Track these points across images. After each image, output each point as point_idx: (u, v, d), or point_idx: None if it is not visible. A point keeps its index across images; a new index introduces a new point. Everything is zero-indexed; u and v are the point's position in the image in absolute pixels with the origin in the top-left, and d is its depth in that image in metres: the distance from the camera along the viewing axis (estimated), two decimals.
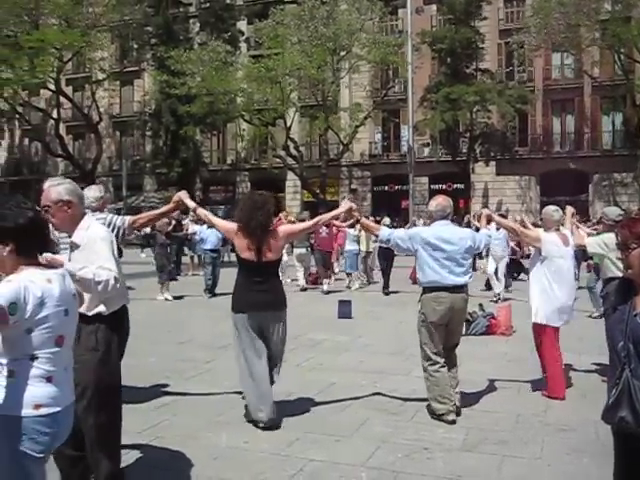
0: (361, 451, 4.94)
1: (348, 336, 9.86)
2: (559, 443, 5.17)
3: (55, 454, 4.13)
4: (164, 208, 5.67)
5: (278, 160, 37.70)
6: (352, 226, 14.40)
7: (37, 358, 2.66)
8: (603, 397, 3.02)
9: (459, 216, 24.06)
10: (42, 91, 41.76)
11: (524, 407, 6.12)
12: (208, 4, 42.05)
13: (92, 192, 5.67)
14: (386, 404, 6.18)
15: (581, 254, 10.55)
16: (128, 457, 4.78)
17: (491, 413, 5.93)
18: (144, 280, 16.90)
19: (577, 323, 7.14)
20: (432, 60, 37.31)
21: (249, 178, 42.03)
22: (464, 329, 9.23)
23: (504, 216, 13.52)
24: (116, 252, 4.04)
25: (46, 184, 4.02)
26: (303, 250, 16.14)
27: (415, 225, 15.98)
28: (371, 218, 20.44)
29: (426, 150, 38.56)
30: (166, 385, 6.93)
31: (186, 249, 20.79)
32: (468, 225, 11.46)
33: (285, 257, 17.06)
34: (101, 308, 4.02)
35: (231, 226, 5.71)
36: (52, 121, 41.42)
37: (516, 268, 16.58)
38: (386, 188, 39.74)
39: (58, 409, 2.71)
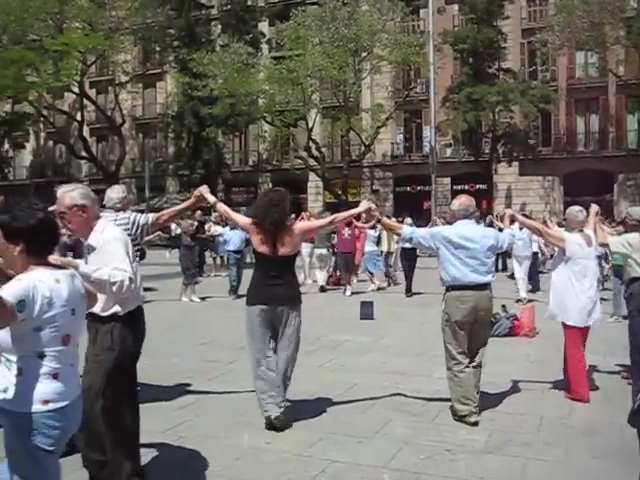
0: (383, 452, 4.93)
1: (370, 337, 9.84)
2: (584, 446, 5.11)
3: (83, 458, 4.19)
4: (186, 203, 5.71)
5: (300, 161, 37.76)
6: (373, 227, 14.44)
7: (45, 356, 2.74)
8: (628, 400, 2.99)
9: (482, 217, 23.86)
10: (66, 94, 42.19)
11: (548, 409, 6.07)
12: (229, 6, 42.22)
13: (115, 193, 5.72)
14: (408, 405, 6.16)
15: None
16: (151, 457, 4.82)
17: (514, 415, 5.88)
18: (167, 281, 17.04)
19: (600, 324, 7.06)
20: (454, 60, 37.14)
21: (271, 179, 42.11)
22: None
23: (527, 216, 13.45)
24: (132, 253, 4.05)
25: (59, 191, 4.05)
26: (324, 250, 16.16)
27: (436, 225, 15.91)
28: (393, 219, 20.44)
29: (448, 151, 38.39)
30: (189, 385, 6.96)
31: (208, 250, 20.90)
32: (490, 225, 11.37)
33: (308, 259, 17.16)
34: (116, 308, 4.05)
35: (247, 221, 5.77)
36: (76, 123, 41.82)
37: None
38: (408, 189, 39.61)
39: (65, 403, 2.80)
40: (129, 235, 4.64)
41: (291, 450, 5.00)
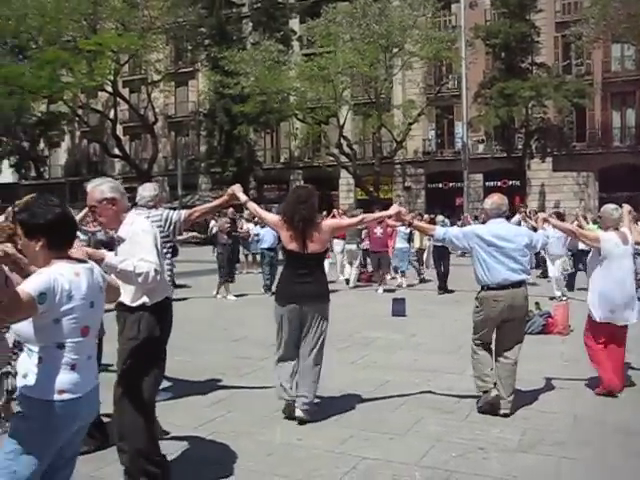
0: (415, 450, 4.92)
1: (402, 334, 9.83)
2: (619, 446, 5.04)
3: (118, 451, 4.25)
4: (218, 201, 5.78)
5: (331, 158, 37.75)
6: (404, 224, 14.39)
7: (64, 347, 2.85)
8: None
9: (516, 213, 23.63)
10: (100, 93, 42.75)
11: (582, 408, 6.00)
12: (260, 4, 42.29)
13: (147, 191, 5.80)
14: (440, 403, 6.14)
15: None
16: (184, 452, 4.88)
17: (548, 413, 5.83)
18: (200, 278, 17.19)
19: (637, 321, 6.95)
20: (486, 55, 36.74)
21: (302, 176, 42.14)
22: None
23: (560, 214, 13.30)
24: (160, 245, 4.11)
25: (89, 186, 4.13)
26: (353, 246, 16.14)
27: (469, 223, 15.79)
28: (425, 216, 20.37)
29: (480, 147, 38.05)
30: (221, 381, 7.03)
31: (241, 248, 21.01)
32: (519, 223, 11.24)
33: (340, 256, 17.18)
34: (144, 299, 4.12)
35: (277, 218, 5.82)
36: (109, 122, 42.36)
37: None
38: (440, 185, 39.35)
39: (80, 394, 2.89)
40: (162, 232, 4.71)
41: (322, 446, 5.01)
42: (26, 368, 2.88)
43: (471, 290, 6.13)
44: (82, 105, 42.23)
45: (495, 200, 5.98)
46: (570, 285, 14.41)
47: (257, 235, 16.33)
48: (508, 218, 6.28)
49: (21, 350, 5.03)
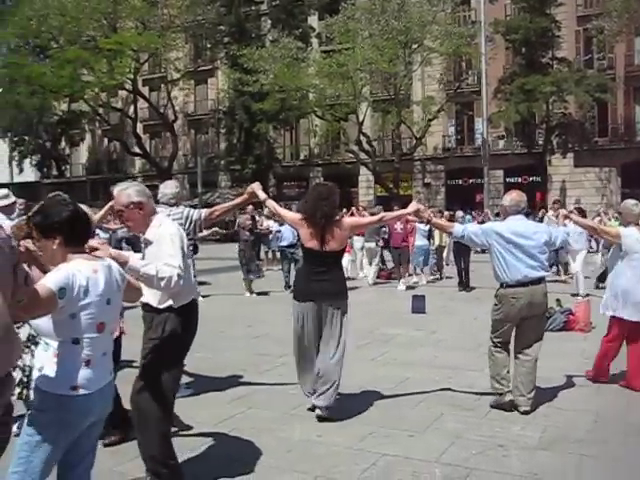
0: (434, 447, 4.92)
1: (422, 331, 9.81)
2: None
3: (139, 445, 4.29)
4: (238, 199, 5.83)
5: (351, 155, 37.73)
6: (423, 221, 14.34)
7: (79, 342, 2.91)
8: None
9: (536, 210, 23.49)
10: (120, 92, 43.05)
11: (603, 405, 5.96)
12: (279, 1, 42.35)
13: (168, 188, 5.85)
14: (460, 400, 6.13)
15: None
16: (204, 448, 4.91)
17: (569, 411, 5.80)
18: (220, 275, 17.26)
19: None
20: (506, 50, 36.50)
21: (322, 173, 42.17)
22: None
23: (582, 209, 13.17)
24: (186, 248, 4.11)
25: (115, 190, 4.15)
26: (372, 244, 16.11)
27: (489, 219, 15.71)
28: (446, 213, 20.28)
29: (501, 143, 37.82)
30: (241, 378, 7.06)
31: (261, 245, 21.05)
32: (542, 220, 11.13)
33: (360, 253, 17.18)
34: (170, 302, 4.14)
35: (296, 216, 5.82)
36: (130, 121, 42.66)
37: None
38: (460, 182, 39.19)
39: (93, 390, 2.95)
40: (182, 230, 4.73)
41: (342, 443, 5.02)
42: (42, 362, 2.96)
43: (491, 287, 6.10)
44: (103, 104, 42.55)
45: (514, 197, 5.95)
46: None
47: (278, 232, 16.36)
48: (528, 215, 6.24)
49: (35, 344, 5.13)
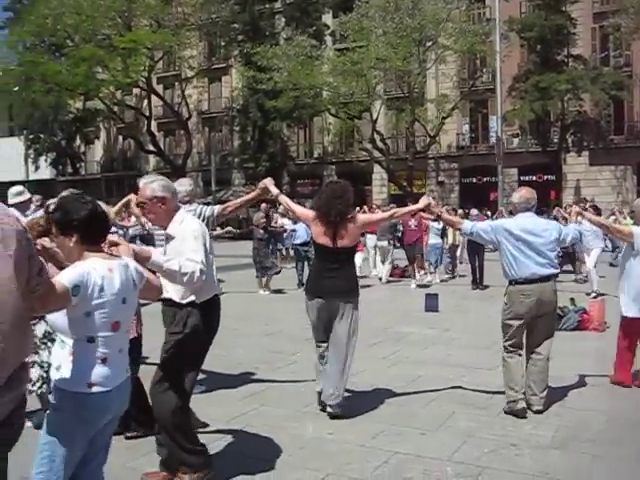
0: (446, 445, 4.92)
1: (435, 329, 9.80)
2: None
3: (157, 444, 4.33)
4: (250, 195, 5.86)
5: (364, 153, 37.70)
6: (436, 220, 14.31)
7: (94, 340, 2.92)
8: None
9: (549, 208, 23.33)
10: (134, 90, 43.24)
11: (616, 406, 5.94)
12: None
13: (183, 186, 5.89)
14: (473, 398, 6.12)
15: None
16: (217, 445, 4.93)
17: (582, 411, 5.77)
18: (234, 273, 17.30)
19: None
20: (521, 48, 36.26)
21: (336, 171, 42.14)
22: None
23: (596, 207, 13.09)
24: (208, 244, 4.14)
25: (141, 182, 4.20)
26: (385, 243, 16.08)
27: (503, 216, 15.64)
28: (460, 211, 20.22)
29: (515, 141, 37.64)
30: (254, 375, 7.09)
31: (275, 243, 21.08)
32: (556, 218, 11.01)
33: (372, 251, 17.17)
34: (192, 297, 4.15)
35: (309, 213, 5.83)
36: (144, 119, 42.84)
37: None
38: (474, 180, 39.05)
39: (110, 388, 2.96)
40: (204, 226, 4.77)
41: (354, 441, 5.03)
42: (59, 360, 2.96)
43: (505, 286, 6.07)
44: (117, 102, 42.76)
45: (523, 194, 5.93)
46: None
47: (293, 231, 16.38)
48: (542, 213, 6.22)
49: (51, 341, 5.18)
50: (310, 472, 4.48)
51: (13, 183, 9.62)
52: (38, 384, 4.99)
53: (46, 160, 51.51)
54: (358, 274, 6.85)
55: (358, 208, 17.29)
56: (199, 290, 4.10)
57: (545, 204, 25.04)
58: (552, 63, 34.21)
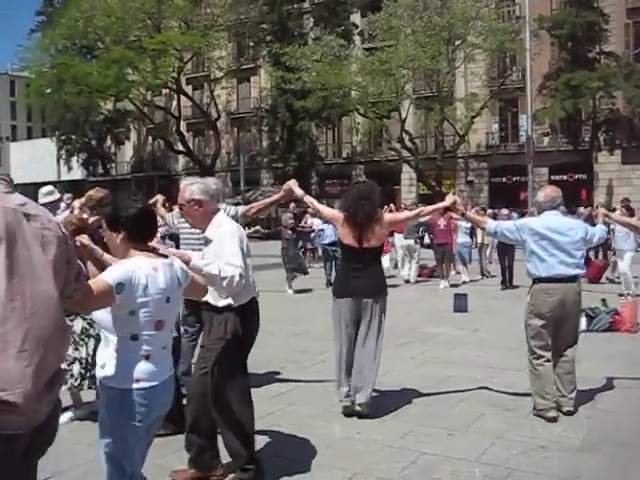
0: (475, 446, 4.88)
1: (464, 330, 9.73)
2: None
3: (186, 441, 4.36)
4: (274, 197, 5.88)
5: (393, 153, 37.59)
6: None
7: (138, 338, 2.94)
8: None
9: (584, 207, 23.02)
10: (164, 91, 43.64)
11: None
12: None
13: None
14: (501, 399, 6.06)
15: None
16: None
17: (613, 413, 5.69)
18: (262, 272, 17.34)
19: None
20: (551, 46, 35.86)
21: (364, 171, 42.09)
22: (585, 325, 8.93)
23: (629, 207, 12.87)
24: (246, 247, 4.14)
25: (182, 184, 4.26)
26: (411, 242, 15.99)
27: (532, 216, 15.45)
28: (489, 210, 20.06)
29: (545, 140, 37.22)
30: (281, 374, 7.11)
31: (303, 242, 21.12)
32: (587, 219, 10.84)
33: (400, 251, 17.09)
34: (229, 300, 4.16)
35: (335, 213, 5.83)
36: (173, 119, 43.18)
37: None
38: (504, 180, 38.70)
39: (155, 383, 2.97)
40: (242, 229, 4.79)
41: (381, 441, 5.02)
42: (104, 358, 3.00)
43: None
44: (147, 103, 43.17)
45: (548, 192, 5.85)
46: None
47: (322, 231, 16.39)
48: (572, 213, 6.13)
49: (88, 337, 5.24)
50: (337, 471, 4.47)
51: (46, 184, 9.74)
52: (79, 380, 5.08)
53: (78, 161, 52.26)
54: (385, 274, 6.83)
55: (385, 207, 17.25)
56: (237, 294, 4.09)
57: (576, 204, 24.72)
58: (583, 60, 33.79)
